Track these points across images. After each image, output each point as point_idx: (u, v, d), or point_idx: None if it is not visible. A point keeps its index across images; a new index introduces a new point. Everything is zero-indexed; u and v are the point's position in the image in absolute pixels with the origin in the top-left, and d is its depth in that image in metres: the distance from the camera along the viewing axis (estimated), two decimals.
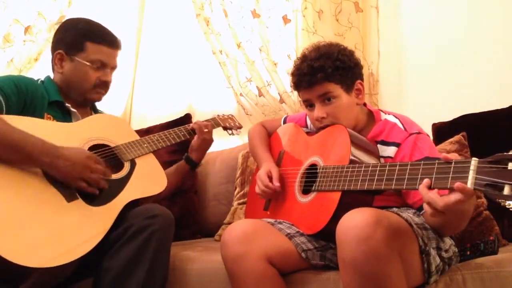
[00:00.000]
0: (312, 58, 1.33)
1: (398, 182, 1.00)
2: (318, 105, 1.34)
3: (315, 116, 1.35)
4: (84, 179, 1.28)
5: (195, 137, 1.69)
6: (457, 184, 0.86)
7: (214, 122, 1.80)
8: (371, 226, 0.98)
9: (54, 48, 1.54)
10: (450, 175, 0.89)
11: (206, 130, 1.68)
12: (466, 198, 0.87)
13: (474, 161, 0.87)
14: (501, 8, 2.01)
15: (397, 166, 1.02)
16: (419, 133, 1.26)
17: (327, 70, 1.30)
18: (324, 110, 1.33)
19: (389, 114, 1.36)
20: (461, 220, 1.09)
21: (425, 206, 0.94)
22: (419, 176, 0.96)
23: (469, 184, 0.86)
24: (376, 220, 0.99)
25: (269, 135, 1.65)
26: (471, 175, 0.86)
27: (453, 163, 0.90)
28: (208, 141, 1.71)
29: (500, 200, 0.81)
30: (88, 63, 1.49)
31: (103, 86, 1.55)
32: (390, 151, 1.27)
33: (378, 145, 1.29)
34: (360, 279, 0.99)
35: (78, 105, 1.55)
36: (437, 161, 0.94)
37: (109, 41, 1.54)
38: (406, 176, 0.99)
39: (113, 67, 1.57)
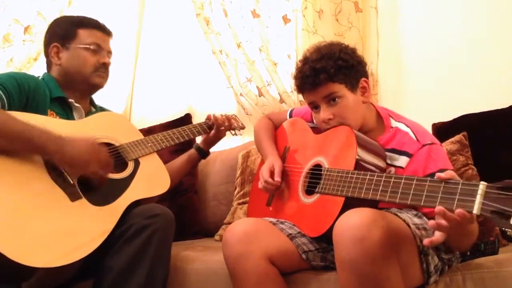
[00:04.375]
0: (314, 60, 1.31)
1: (403, 196, 0.99)
2: (324, 106, 1.32)
3: (322, 118, 1.32)
4: (90, 167, 1.28)
5: (215, 130, 1.76)
6: (458, 211, 0.86)
7: (232, 128, 1.88)
8: (367, 226, 0.98)
9: (48, 44, 1.56)
10: (457, 197, 0.87)
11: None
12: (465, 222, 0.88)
13: (482, 185, 0.84)
14: (501, 8, 2.01)
15: (403, 179, 1.00)
16: (431, 143, 1.23)
17: (330, 71, 1.28)
18: (330, 111, 1.31)
19: (399, 121, 1.32)
20: (465, 238, 1.07)
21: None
22: (425, 193, 0.94)
23: (476, 209, 0.84)
24: (372, 221, 0.99)
25: (275, 127, 1.64)
26: (478, 199, 0.84)
27: (460, 184, 0.88)
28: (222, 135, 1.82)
29: (506, 229, 0.79)
30: (84, 46, 1.52)
31: (104, 68, 1.56)
32: (402, 161, 1.24)
33: (389, 153, 1.27)
34: (357, 280, 0.99)
35: (79, 99, 1.55)
36: (443, 180, 0.91)
37: (100, 26, 1.59)
38: (411, 192, 0.97)
39: (109, 51, 1.60)
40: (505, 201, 0.79)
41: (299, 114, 1.59)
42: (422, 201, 0.94)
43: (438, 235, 0.93)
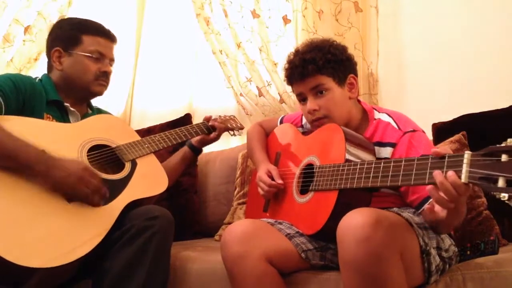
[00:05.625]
0: (304, 51, 1.35)
1: (393, 178, 1.01)
2: (311, 97, 1.35)
3: (308, 109, 1.35)
4: (78, 192, 1.24)
5: (213, 134, 1.77)
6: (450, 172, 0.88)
7: (231, 128, 1.87)
8: (371, 226, 0.98)
9: (51, 46, 1.55)
10: (444, 170, 0.90)
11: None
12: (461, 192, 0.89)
13: (467, 154, 0.87)
14: (501, 7, 2.01)
15: (392, 162, 1.03)
16: (413, 130, 1.26)
17: (318, 62, 1.31)
18: (316, 103, 1.33)
19: (382, 112, 1.36)
20: (456, 218, 1.09)
21: (436, 207, 0.94)
22: (414, 172, 0.96)
23: (463, 178, 0.87)
24: (376, 220, 0.99)
25: (267, 135, 1.66)
26: (465, 168, 0.87)
27: (446, 157, 0.91)
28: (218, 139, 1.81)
29: (495, 193, 0.81)
30: (87, 54, 1.51)
31: (105, 77, 1.56)
32: (386, 152, 1.27)
33: (375, 147, 1.29)
34: (361, 280, 0.99)
35: (76, 103, 1.55)
36: (430, 156, 0.94)
37: (105, 33, 1.57)
38: (401, 173, 0.99)
39: (111, 59, 1.59)
40: (490, 166, 0.82)
41: (290, 120, 1.61)
42: (412, 179, 0.96)
43: (438, 208, 0.94)
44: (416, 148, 1.21)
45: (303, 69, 1.32)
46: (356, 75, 1.39)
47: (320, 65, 1.31)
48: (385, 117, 1.33)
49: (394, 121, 1.30)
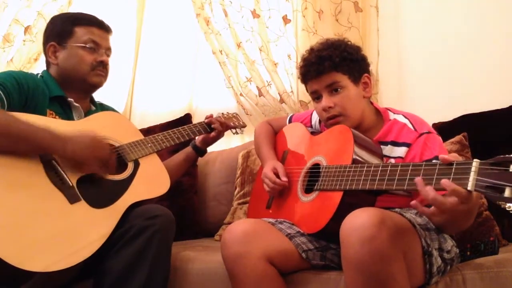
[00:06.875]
0: (320, 49, 1.36)
1: (400, 182, 1.01)
2: (326, 95, 1.35)
3: (322, 106, 1.35)
4: (95, 159, 1.31)
5: (215, 132, 1.73)
6: (443, 181, 0.88)
7: (233, 126, 1.85)
8: (375, 226, 0.98)
9: (46, 43, 1.55)
10: (451, 177, 0.90)
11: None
12: (461, 200, 0.88)
13: (475, 162, 0.87)
14: (501, 8, 2.01)
15: (399, 166, 1.03)
16: (429, 132, 1.26)
17: (335, 59, 1.32)
18: (331, 100, 1.34)
19: (398, 113, 1.36)
20: (464, 219, 1.07)
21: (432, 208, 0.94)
22: (421, 177, 0.95)
23: (470, 186, 0.86)
24: (380, 220, 0.99)
25: (275, 133, 1.66)
26: (472, 176, 0.86)
27: (454, 164, 0.90)
28: (221, 137, 1.79)
29: (500, 203, 0.81)
30: (81, 45, 1.50)
31: (102, 67, 1.54)
32: (400, 151, 1.27)
33: (389, 146, 1.29)
34: (364, 280, 0.99)
35: (79, 98, 1.54)
36: (438, 162, 0.94)
37: (97, 23, 1.56)
38: (408, 177, 0.99)
39: (107, 49, 1.57)
40: (498, 176, 0.82)
41: (299, 119, 1.61)
42: None
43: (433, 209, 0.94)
44: (430, 149, 1.21)
45: (319, 66, 1.33)
46: (370, 75, 1.40)
47: (337, 62, 1.32)
48: (401, 118, 1.33)
49: (410, 123, 1.30)
